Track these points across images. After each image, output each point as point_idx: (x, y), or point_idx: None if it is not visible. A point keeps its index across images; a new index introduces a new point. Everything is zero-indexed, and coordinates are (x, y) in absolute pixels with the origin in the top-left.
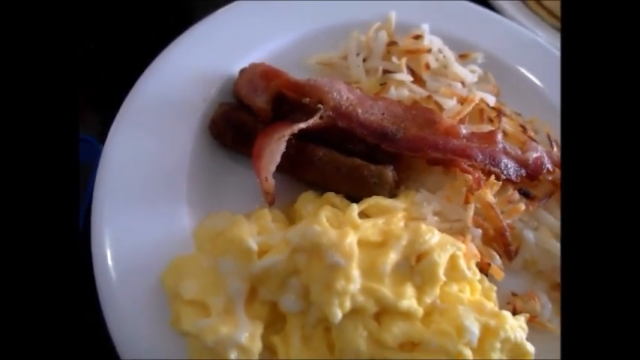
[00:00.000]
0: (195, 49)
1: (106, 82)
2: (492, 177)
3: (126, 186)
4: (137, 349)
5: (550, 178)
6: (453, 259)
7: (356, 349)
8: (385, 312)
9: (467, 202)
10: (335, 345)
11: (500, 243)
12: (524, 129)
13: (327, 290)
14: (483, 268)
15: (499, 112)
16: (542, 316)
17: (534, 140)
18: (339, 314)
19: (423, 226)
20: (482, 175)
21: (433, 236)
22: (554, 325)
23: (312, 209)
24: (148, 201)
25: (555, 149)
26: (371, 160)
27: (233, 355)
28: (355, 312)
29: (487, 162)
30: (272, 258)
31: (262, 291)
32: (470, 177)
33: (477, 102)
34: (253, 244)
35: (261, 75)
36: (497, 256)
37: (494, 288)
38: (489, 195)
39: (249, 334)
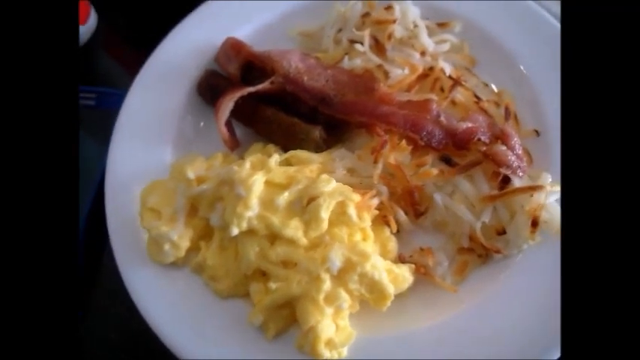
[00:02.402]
0: (196, 27)
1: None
2: (403, 141)
3: (134, 127)
4: (124, 232)
5: (483, 149)
6: (342, 206)
7: (248, 259)
8: (276, 236)
9: (375, 161)
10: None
11: (408, 201)
12: (478, 100)
13: (232, 213)
14: (384, 221)
15: (455, 82)
16: (434, 271)
17: (485, 111)
18: (235, 231)
19: (323, 176)
20: (397, 139)
21: (327, 185)
22: (447, 282)
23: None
24: (146, 140)
25: (510, 122)
26: (313, 121)
27: (167, 246)
28: (252, 232)
29: (407, 128)
30: (204, 186)
31: (200, 209)
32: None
33: (422, 71)
34: (191, 175)
35: (231, 47)
36: (402, 213)
37: (393, 238)
38: (392, 157)
39: (179, 235)
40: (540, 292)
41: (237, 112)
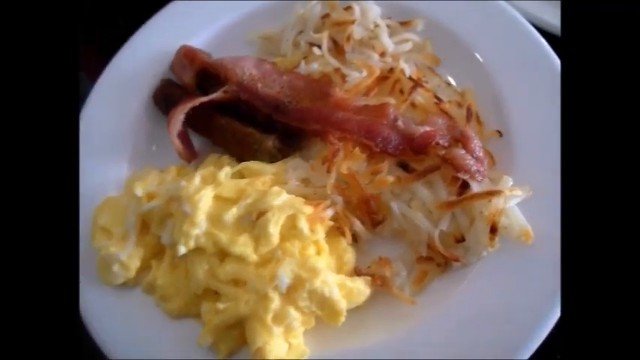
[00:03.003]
0: (152, 36)
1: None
2: (357, 149)
3: (90, 141)
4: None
5: (442, 153)
6: (292, 219)
7: (197, 278)
8: (226, 253)
9: (328, 170)
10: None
11: (364, 211)
12: (439, 101)
13: (179, 231)
14: (340, 232)
15: (415, 84)
16: (392, 282)
17: (446, 113)
18: (182, 250)
19: (273, 189)
20: (351, 146)
21: (277, 198)
22: (406, 294)
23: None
24: (103, 153)
25: (472, 123)
26: (269, 129)
27: (115, 267)
28: (200, 250)
29: (362, 134)
30: (152, 203)
31: (151, 226)
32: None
33: (381, 73)
34: (139, 192)
35: (184, 55)
36: (358, 223)
37: (350, 249)
38: (344, 166)
39: (128, 255)
40: (500, 300)
41: (193, 122)
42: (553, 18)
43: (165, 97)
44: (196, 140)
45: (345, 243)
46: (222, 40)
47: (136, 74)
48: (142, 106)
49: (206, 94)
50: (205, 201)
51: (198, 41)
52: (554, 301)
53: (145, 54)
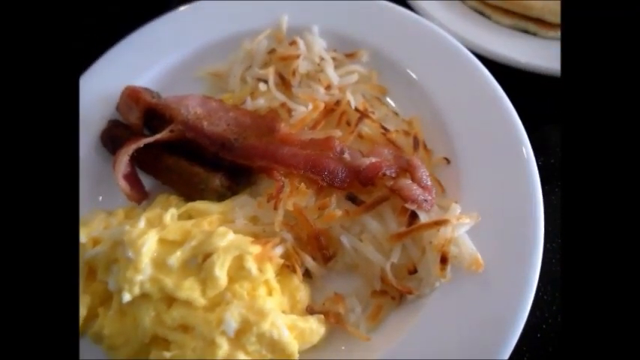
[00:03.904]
0: (100, 76)
1: None
2: (302, 184)
3: None
4: None
5: (390, 184)
6: (239, 260)
7: (143, 326)
8: (171, 299)
9: (275, 207)
10: None
11: (315, 247)
12: (385, 131)
13: (123, 277)
14: (291, 269)
15: (361, 115)
16: (346, 318)
17: (393, 143)
18: (127, 297)
19: (219, 229)
20: (297, 182)
21: (222, 239)
22: (361, 330)
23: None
24: None
25: (419, 152)
26: (217, 167)
27: None
28: (145, 296)
29: (308, 169)
30: (97, 249)
31: (98, 273)
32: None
33: (327, 106)
34: (83, 238)
35: (128, 96)
36: (310, 259)
37: (303, 287)
38: (290, 202)
39: None
40: (456, 331)
41: (141, 163)
42: (494, 46)
43: (112, 139)
44: (148, 181)
45: (297, 281)
46: (172, 78)
47: (84, 116)
48: (91, 148)
49: (155, 133)
50: (149, 245)
51: (146, 80)
52: (510, 330)
53: (93, 95)
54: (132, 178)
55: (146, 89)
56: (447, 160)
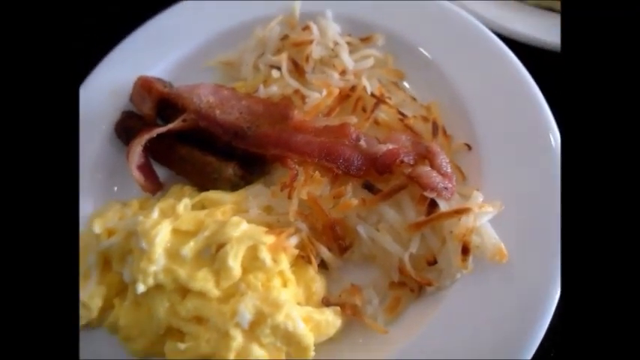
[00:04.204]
0: (114, 67)
1: None
2: (317, 172)
3: None
4: None
5: (408, 171)
6: (252, 250)
7: (157, 317)
8: (185, 289)
9: (289, 197)
10: None
11: (330, 237)
12: (403, 117)
13: (137, 268)
14: (306, 260)
15: (378, 101)
16: (363, 310)
17: (411, 129)
18: (141, 288)
19: (233, 219)
20: (311, 170)
21: (236, 229)
22: (379, 322)
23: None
24: None
25: (438, 138)
26: (230, 156)
27: None
28: (160, 287)
29: (322, 157)
30: (111, 240)
31: (113, 263)
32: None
33: (341, 92)
34: (97, 229)
35: (141, 87)
36: (325, 250)
37: (318, 278)
38: (304, 191)
39: (89, 294)
40: (478, 326)
41: (155, 153)
42: (516, 26)
43: (125, 130)
44: (163, 171)
45: (312, 272)
46: (185, 68)
47: (98, 108)
48: (106, 140)
49: (168, 123)
50: (162, 236)
51: (159, 70)
52: (536, 325)
53: (107, 86)
54: (146, 169)
55: (158, 79)
56: (468, 146)
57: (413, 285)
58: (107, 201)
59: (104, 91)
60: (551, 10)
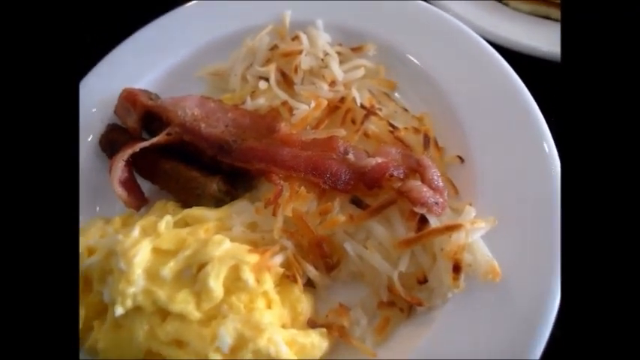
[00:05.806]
0: (101, 79)
1: None
2: (302, 188)
3: None
4: None
5: (398, 185)
6: (235, 270)
7: (137, 340)
8: (165, 312)
9: (274, 213)
10: None
11: (317, 255)
12: (393, 129)
13: (115, 290)
14: (292, 279)
15: (367, 112)
16: (351, 332)
17: (402, 141)
18: (119, 310)
19: (215, 237)
20: (297, 185)
21: (218, 248)
22: (367, 344)
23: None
24: None
25: (430, 150)
26: (215, 171)
27: None
28: (139, 309)
29: (308, 172)
30: (92, 259)
31: (94, 284)
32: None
33: (330, 104)
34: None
35: (125, 99)
36: (312, 268)
37: (304, 298)
38: (289, 207)
39: None
40: (471, 348)
41: (139, 168)
42: (512, 34)
43: (110, 143)
44: (149, 186)
45: (298, 291)
46: (174, 79)
47: (84, 120)
48: (91, 153)
49: (154, 136)
50: (142, 255)
51: (147, 81)
52: (531, 347)
53: (93, 99)
54: (129, 184)
55: (144, 91)
56: (461, 159)
57: (403, 305)
58: (90, 217)
59: (90, 102)
60: (547, 18)
